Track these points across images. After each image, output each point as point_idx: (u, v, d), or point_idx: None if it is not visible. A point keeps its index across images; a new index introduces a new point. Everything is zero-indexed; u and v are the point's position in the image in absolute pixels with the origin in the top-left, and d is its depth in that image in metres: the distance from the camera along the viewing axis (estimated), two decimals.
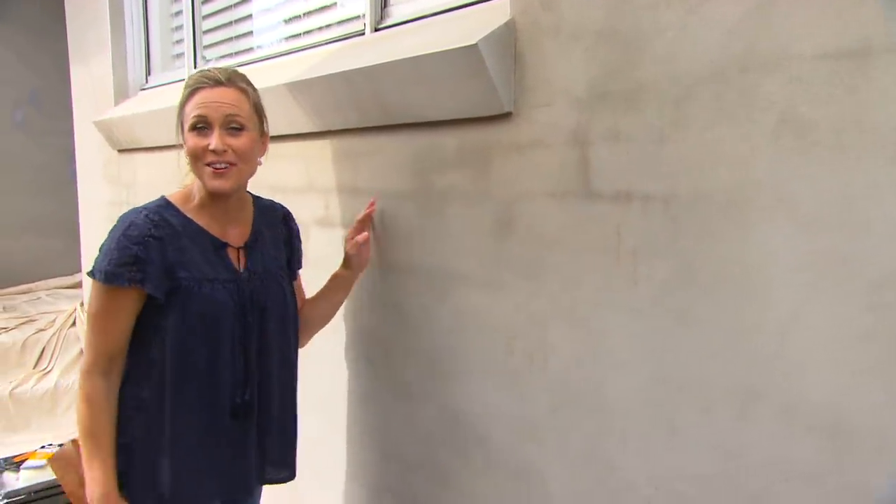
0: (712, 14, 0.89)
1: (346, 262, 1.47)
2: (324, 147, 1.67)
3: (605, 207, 1.05)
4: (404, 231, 1.45)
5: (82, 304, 3.79)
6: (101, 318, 1.21)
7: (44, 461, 2.63)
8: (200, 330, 1.23)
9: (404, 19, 1.56)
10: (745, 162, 0.87)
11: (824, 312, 0.81)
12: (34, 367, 3.38)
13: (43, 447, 2.76)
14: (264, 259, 1.34)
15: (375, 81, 1.40)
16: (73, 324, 3.65)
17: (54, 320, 3.65)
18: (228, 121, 1.22)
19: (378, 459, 1.62)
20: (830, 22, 0.78)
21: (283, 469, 1.41)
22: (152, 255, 1.18)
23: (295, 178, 1.76)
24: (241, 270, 1.30)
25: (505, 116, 1.19)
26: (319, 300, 1.49)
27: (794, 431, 0.85)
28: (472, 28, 1.22)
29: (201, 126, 1.22)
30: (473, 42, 1.14)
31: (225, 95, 1.24)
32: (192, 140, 1.23)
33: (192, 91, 1.24)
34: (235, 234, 1.32)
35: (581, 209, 1.09)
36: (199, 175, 1.24)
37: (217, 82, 1.24)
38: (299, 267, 1.49)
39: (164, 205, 1.26)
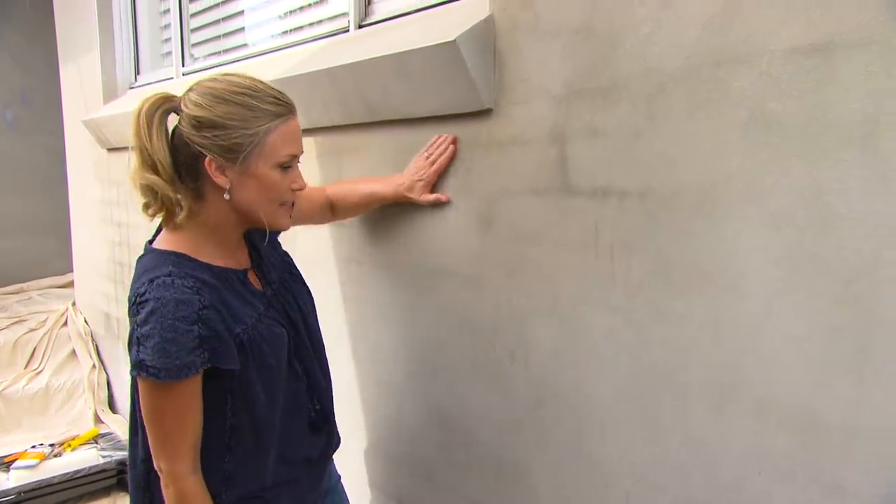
0: (685, 9, 0.89)
1: (390, 181, 1.35)
2: (307, 144, 1.67)
3: (583, 203, 1.06)
4: (386, 227, 1.46)
5: (74, 304, 3.78)
6: (176, 416, 1.04)
7: (34, 461, 2.64)
8: (274, 372, 1.12)
9: (388, 16, 1.56)
10: (718, 157, 0.88)
11: (795, 307, 0.82)
12: (25, 367, 3.38)
13: (33, 447, 2.77)
14: (270, 262, 1.22)
15: (359, 78, 1.40)
16: (65, 324, 3.64)
17: (45, 320, 3.64)
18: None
19: (362, 456, 1.62)
20: (799, 16, 0.78)
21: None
22: (215, 328, 1.02)
23: None
24: (266, 290, 1.17)
25: (485, 113, 1.20)
26: (349, 204, 1.41)
27: (766, 425, 0.86)
28: (452, 24, 1.22)
29: (289, 166, 1.08)
30: (452, 38, 1.14)
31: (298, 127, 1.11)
32: (281, 179, 1.07)
33: (285, 119, 1.06)
34: (241, 256, 1.18)
35: (560, 205, 1.09)
36: (268, 214, 1.09)
37: (294, 111, 1.09)
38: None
39: (178, 262, 1.05)
